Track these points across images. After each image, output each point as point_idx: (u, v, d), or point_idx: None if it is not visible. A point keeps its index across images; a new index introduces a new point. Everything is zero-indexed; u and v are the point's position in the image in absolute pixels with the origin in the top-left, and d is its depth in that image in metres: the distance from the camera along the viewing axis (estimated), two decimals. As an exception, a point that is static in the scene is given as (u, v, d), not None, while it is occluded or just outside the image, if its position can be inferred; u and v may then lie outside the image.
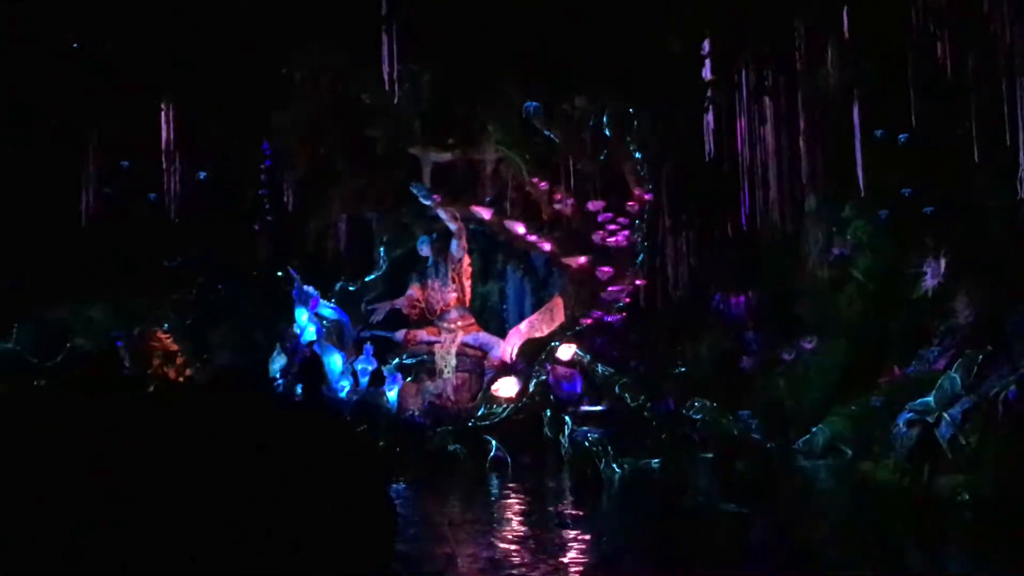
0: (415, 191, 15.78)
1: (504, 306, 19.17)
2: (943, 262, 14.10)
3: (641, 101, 14.72)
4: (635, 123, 14.97)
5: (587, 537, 7.75)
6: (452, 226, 15.91)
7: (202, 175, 16.72)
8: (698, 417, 13.90)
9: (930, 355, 12.53)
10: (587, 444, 11.33)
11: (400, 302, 16.42)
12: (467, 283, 16.32)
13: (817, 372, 14.42)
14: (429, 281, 16.20)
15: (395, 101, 15.25)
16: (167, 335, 17.06)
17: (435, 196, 15.86)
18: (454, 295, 15.97)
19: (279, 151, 16.70)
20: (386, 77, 13.41)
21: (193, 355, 16.95)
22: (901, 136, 13.79)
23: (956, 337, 12.79)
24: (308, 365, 14.82)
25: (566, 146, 14.94)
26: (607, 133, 15.51)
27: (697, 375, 15.27)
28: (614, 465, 11.04)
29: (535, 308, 19.83)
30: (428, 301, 16.11)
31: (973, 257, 13.71)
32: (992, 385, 8.48)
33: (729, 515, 8.19)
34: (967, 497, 7.91)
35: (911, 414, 8.87)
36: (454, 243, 15.98)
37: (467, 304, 16.34)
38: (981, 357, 8.91)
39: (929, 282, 14.23)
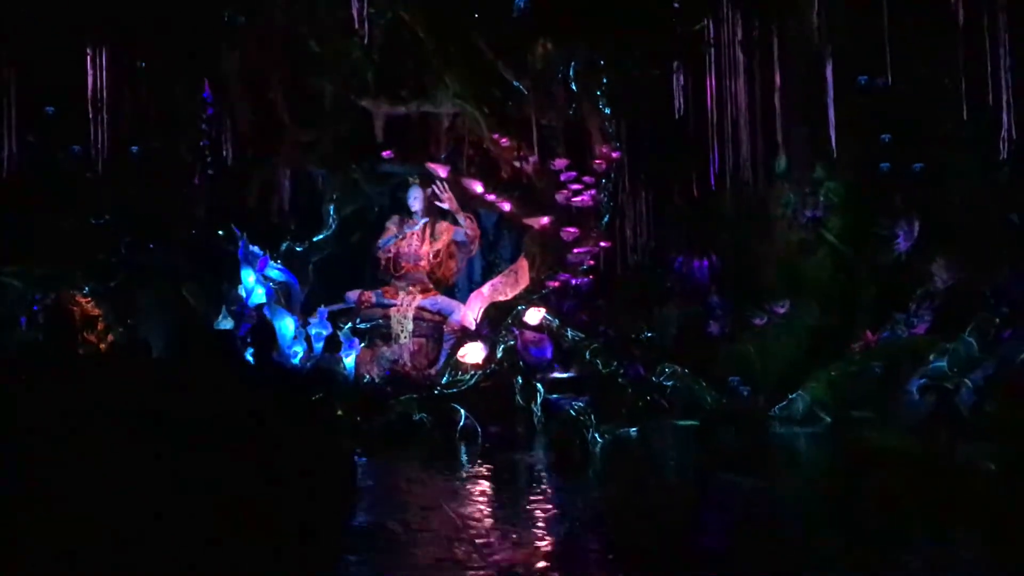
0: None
1: (452, 269, 18.44)
2: (917, 225, 13.82)
3: (612, 52, 14.00)
4: (604, 77, 14.23)
5: (600, 516, 7.12)
6: (469, 232, 15.22)
7: (134, 127, 15.46)
8: (669, 384, 13.40)
9: (913, 319, 12.22)
10: (573, 413, 10.70)
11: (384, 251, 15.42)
12: (461, 265, 15.53)
13: (789, 337, 14.05)
14: (408, 234, 15.22)
15: (352, 47, 14.44)
16: (88, 299, 15.88)
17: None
18: (426, 263, 15.13)
19: (222, 100, 15.53)
20: (354, 15, 12.41)
21: (116, 320, 15.78)
22: (880, 81, 13.24)
23: (935, 302, 12.53)
24: (259, 330, 13.84)
25: (535, 98, 14.16)
26: (573, 87, 14.81)
27: (663, 340, 14.78)
28: (596, 435, 10.43)
29: (484, 271, 19.15)
30: (397, 256, 15.18)
31: (949, 220, 13.46)
32: (1016, 349, 8.10)
33: (746, 488, 7.62)
34: (993, 467, 7.52)
35: (924, 380, 8.45)
36: (460, 233, 15.12)
37: (449, 282, 15.54)
38: (998, 320, 8.53)
39: (902, 245, 13.95)
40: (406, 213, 15.57)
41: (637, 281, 15.89)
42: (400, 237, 15.12)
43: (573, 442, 9.92)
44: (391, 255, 15.10)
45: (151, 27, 14.68)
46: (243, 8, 14.97)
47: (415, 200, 15.27)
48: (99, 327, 15.96)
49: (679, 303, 15.26)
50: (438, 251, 15.14)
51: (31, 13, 13.81)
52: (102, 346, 15.49)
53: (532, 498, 7.82)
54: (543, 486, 8.73)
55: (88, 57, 14.57)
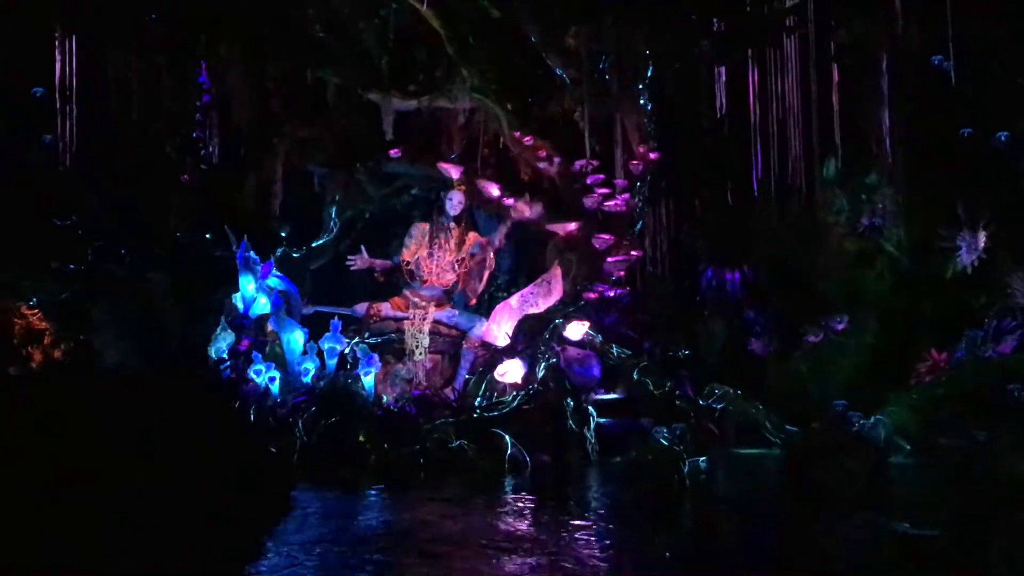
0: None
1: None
2: (982, 235, 12.74)
3: (658, 41, 12.74)
4: (650, 68, 12.95)
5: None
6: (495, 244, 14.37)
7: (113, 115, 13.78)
8: (719, 406, 12.08)
9: (1004, 336, 11.08)
10: (664, 442, 9.31)
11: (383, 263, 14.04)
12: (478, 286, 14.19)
13: (845, 356, 12.84)
14: (437, 241, 13.83)
15: (365, 33, 13.03)
16: (34, 311, 14.15)
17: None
18: (453, 277, 13.82)
19: (215, 90, 13.92)
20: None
21: (66, 335, 14.03)
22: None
23: (1018, 318, 11.43)
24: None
25: (579, 90, 12.86)
26: (607, 79, 13.55)
27: (706, 358, 13.49)
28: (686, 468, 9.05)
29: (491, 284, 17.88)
30: (419, 263, 13.80)
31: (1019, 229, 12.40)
32: None
33: (918, 540, 6.29)
34: None
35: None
36: (476, 245, 13.95)
37: (471, 301, 14.19)
38: None
39: (965, 258, 12.84)
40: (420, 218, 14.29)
41: (669, 294, 14.58)
42: (422, 244, 13.78)
43: (670, 477, 8.53)
44: (411, 264, 13.74)
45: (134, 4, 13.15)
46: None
47: (458, 204, 13.97)
48: (45, 342, 14.33)
49: (721, 318, 13.98)
50: (463, 260, 13.81)
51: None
52: (46, 362, 13.87)
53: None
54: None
55: (59, 35, 12.96)
